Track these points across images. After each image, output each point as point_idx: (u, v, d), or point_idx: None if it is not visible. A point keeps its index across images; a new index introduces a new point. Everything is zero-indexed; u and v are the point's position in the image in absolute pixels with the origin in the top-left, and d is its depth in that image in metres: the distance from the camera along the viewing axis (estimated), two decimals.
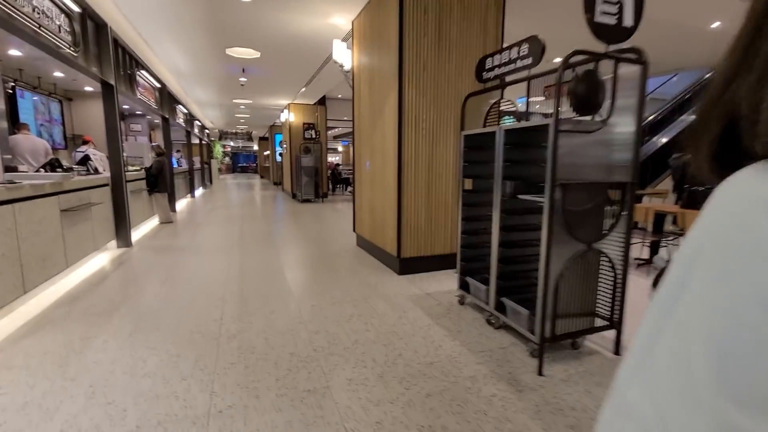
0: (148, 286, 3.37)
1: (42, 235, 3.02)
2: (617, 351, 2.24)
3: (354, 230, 5.17)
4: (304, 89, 9.95)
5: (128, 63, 5.53)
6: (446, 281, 3.56)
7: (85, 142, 6.52)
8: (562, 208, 1.94)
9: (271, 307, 2.90)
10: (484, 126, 3.44)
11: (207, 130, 18.96)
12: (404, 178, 3.63)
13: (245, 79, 8.34)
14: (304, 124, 11.60)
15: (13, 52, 5.19)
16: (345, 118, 15.70)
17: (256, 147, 34.42)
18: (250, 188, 16.42)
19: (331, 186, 13.74)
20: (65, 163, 5.37)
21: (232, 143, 33.87)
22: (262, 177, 26.47)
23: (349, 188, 14.43)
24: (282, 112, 12.65)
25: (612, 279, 2.17)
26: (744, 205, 0.25)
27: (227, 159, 36.47)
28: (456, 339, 2.40)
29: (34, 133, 6.36)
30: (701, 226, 0.27)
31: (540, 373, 2.00)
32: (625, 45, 2.00)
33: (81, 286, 3.34)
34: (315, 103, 11.79)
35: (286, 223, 6.95)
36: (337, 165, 14.79)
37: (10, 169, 3.94)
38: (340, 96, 12.17)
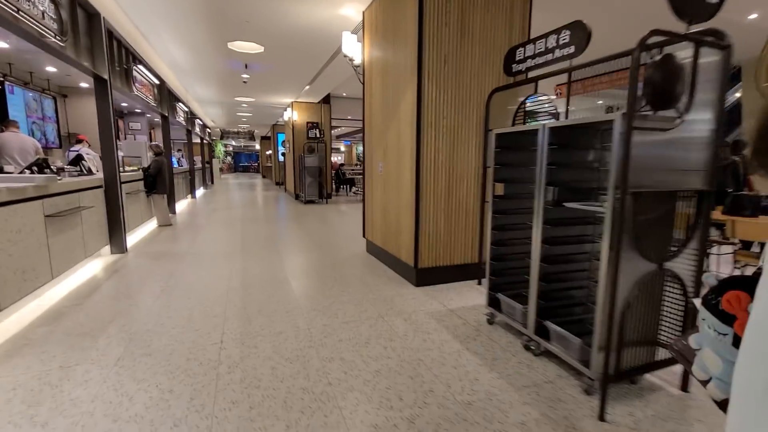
0: (142, 300, 3.05)
1: (21, 244, 2.71)
2: (684, 387, 1.91)
3: (364, 236, 4.84)
4: (308, 87, 9.63)
5: (124, 57, 5.22)
6: (469, 294, 3.24)
7: (79, 141, 6.21)
8: (632, 221, 1.61)
9: (277, 327, 2.58)
10: (513, 125, 3.11)
11: (208, 129, 18.66)
12: (423, 181, 3.31)
13: (248, 76, 8.03)
14: (307, 123, 11.29)
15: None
16: (349, 117, 15.39)
17: (257, 146, 34.16)
18: (252, 188, 16.12)
19: (335, 186, 13.43)
20: (59, 164, 5.06)
21: (233, 142, 33.60)
22: (264, 177, 26.18)
23: (354, 189, 14.11)
24: (285, 110, 12.34)
25: (680, 302, 1.84)
26: None
27: (229, 158, 36.20)
28: (493, 369, 2.08)
29: (24, 131, 6.06)
30: None
31: (602, 418, 1.67)
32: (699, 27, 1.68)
33: (67, 300, 3.03)
34: (319, 102, 11.47)
35: (290, 227, 6.63)
36: (341, 165, 14.46)
37: None
38: (345, 94, 11.85)
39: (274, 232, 6.11)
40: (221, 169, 28.24)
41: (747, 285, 0.47)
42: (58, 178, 3.57)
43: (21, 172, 3.49)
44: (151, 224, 6.55)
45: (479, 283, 3.50)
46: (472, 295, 3.22)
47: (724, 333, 0.48)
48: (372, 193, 4.51)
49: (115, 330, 2.50)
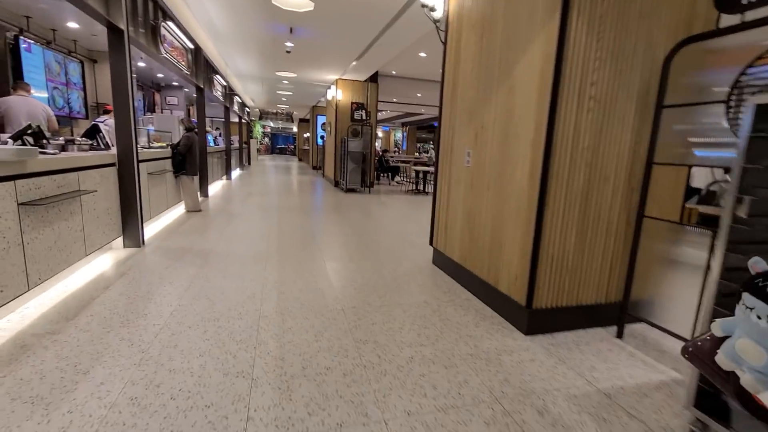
0: (139, 332, 2.16)
1: None
2: None
3: (431, 243, 3.78)
4: (355, 63, 8.57)
5: (150, 10, 4.35)
6: (612, 356, 2.12)
7: (107, 112, 5.48)
8: None
9: (332, 411, 1.59)
10: (729, 98, 1.91)
11: (247, 109, 18.12)
12: (552, 179, 2.18)
13: (291, 45, 7.05)
14: (352, 103, 10.27)
15: None
16: (394, 100, 14.23)
17: (295, 129, 33.69)
18: (289, 172, 15.42)
19: (375, 175, 12.43)
20: (75, 137, 4.32)
21: (272, 123, 33.28)
22: (300, 160, 25.62)
23: (397, 178, 13.03)
24: (328, 89, 11.37)
25: None
26: None
27: (266, 140, 36.04)
28: None
29: (43, 97, 5.40)
30: None
31: None
32: None
33: (38, 325, 2.19)
34: (366, 80, 10.40)
35: (333, 222, 5.67)
36: (385, 151, 13.38)
37: None
38: (394, 72, 10.72)
39: (314, 227, 5.17)
40: (258, 150, 27.99)
41: None
42: (46, 151, 2.73)
43: (4, 142, 2.67)
44: (179, 209, 5.80)
45: (620, 335, 2.36)
46: (620, 358, 2.10)
47: None
48: (448, 192, 3.42)
49: (84, 390, 1.60)
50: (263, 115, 24.27)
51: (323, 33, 6.37)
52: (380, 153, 12.90)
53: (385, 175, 13.27)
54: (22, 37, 4.91)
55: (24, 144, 2.79)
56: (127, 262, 3.31)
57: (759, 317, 0.49)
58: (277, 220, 5.42)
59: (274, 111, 22.95)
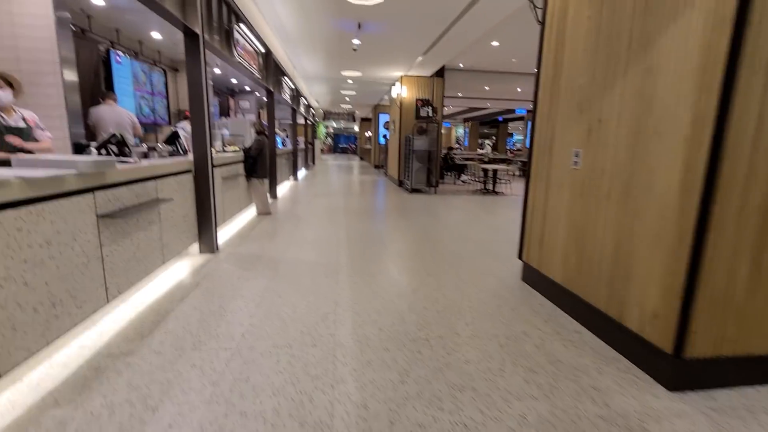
0: (209, 358, 1.99)
1: (52, 263, 1.79)
2: None
3: (520, 257, 3.29)
4: (421, 58, 8.18)
5: (224, 13, 4.34)
6: None
7: (186, 117, 5.67)
8: None
9: None
10: None
11: (312, 110, 18.55)
12: (720, 193, 1.62)
13: (358, 42, 6.84)
14: (417, 100, 9.89)
15: (97, 2, 4.34)
16: (460, 95, 13.58)
17: (356, 128, 34.12)
18: (351, 171, 15.47)
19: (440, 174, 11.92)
20: (156, 144, 4.46)
21: (334, 124, 34.07)
22: (361, 159, 25.82)
23: (463, 177, 12.41)
24: (392, 86, 11.09)
25: None
26: None
27: (329, 140, 37.00)
28: None
29: (131, 105, 5.73)
30: None
31: None
32: None
33: (121, 339, 2.11)
34: (431, 75, 9.96)
35: (402, 226, 5.35)
36: (450, 149, 12.80)
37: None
38: (461, 65, 10.14)
39: (383, 233, 4.89)
40: (322, 150, 28.76)
41: None
42: (127, 160, 2.71)
43: (89, 152, 2.69)
44: (250, 212, 5.86)
45: None
46: None
47: None
48: (545, 198, 2.91)
49: (168, 409, 1.42)
50: (327, 115, 24.82)
51: (392, 27, 6.07)
52: (446, 150, 12.35)
53: (450, 173, 12.71)
54: (113, 50, 5.23)
55: (108, 153, 2.81)
56: (202, 271, 3.26)
57: None
58: (344, 224, 5.23)
59: (337, 111, 23.33)
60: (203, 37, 3.45)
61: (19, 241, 1.61)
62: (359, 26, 5.81)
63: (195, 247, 3.72)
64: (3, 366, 1.53)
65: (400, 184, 10.33)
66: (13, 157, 1.93)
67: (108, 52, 5.14)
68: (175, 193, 3.19)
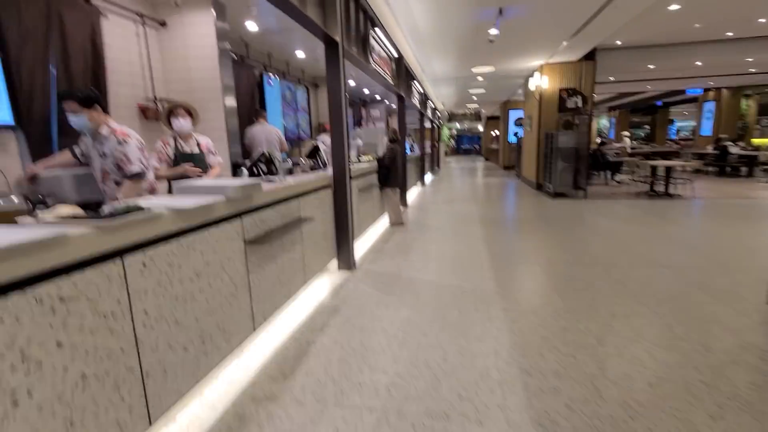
0: (359, 407, 1.65)
1: (201, 296, 1.69)
2: None
3: None
4: (565, 43, 6.98)
5: (361, 20, 4.21)
6: None
7: (325, 130, 5.83)
8: None
9: None
10: None
11: (438, 113, 18.24)
12: None
13: (496, 32, 6.10)
14: (561, 90, 8.56)
15: (251, 26, 4.68)
16: (611, 78, 11.43)
17: (481, 128, 32.63)
18: (479, 173, 14.58)
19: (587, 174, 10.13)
20: (299, 158, 4.58)
21: (457, 125, 33.25)
22: (486, 159, 24.44)
23: (617, 177, 10.36)
24: (529, 78, 9.91)
25: None
26: None
27: (452, 141, 36.33)
28: None
29: (278, 122, 6.15)
30: None
31: None
32: None
33: (265, 377, 1.96)
34: (579, 60, 8.52)
35: (554, 239, 4.45)
36: (603, 143, 10.81)
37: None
38: (618, 43, 8.44)
39: (532, 249, 4.10)
40: (445, 153, 28.31)
41: None
42: (273, 179, 2.64)
43: (241, 172, 2.72)
44: (383, 222, 5.70)
45: None
46: None
47: None
48: None
49: None
50: (451, 117, 24.26)
51: (537, 7, 5.20)
52: (596, 145, 10.49)
53: (597, 173, 10.76)
54: (265, 73, 5.69)
55: (258, 172, 2.82)
56: (340, 293, 3.07)
57: None
58: (482, 237, 4.60)
59: (462, 112, 22.57)
60: (342, 44, 3.30)
61: (171, 277, 1.51)
62: (500, 12, 5.11)
63: (333, 263, 3.61)
64: (154, 412, 1.43)
65: (539, 187, 9.10)
66: (175, 184, 1.94)
67: (261, 75, 5.61)
68: (316, 210, 3.08)
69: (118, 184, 2.31)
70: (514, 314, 2.57)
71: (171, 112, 2.85)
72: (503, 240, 4.51)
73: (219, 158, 3.13)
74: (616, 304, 2.67)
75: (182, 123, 2.84)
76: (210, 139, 3.09)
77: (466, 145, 38.85)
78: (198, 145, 3.01)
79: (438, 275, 3.38)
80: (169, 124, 2.86)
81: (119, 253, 1.30)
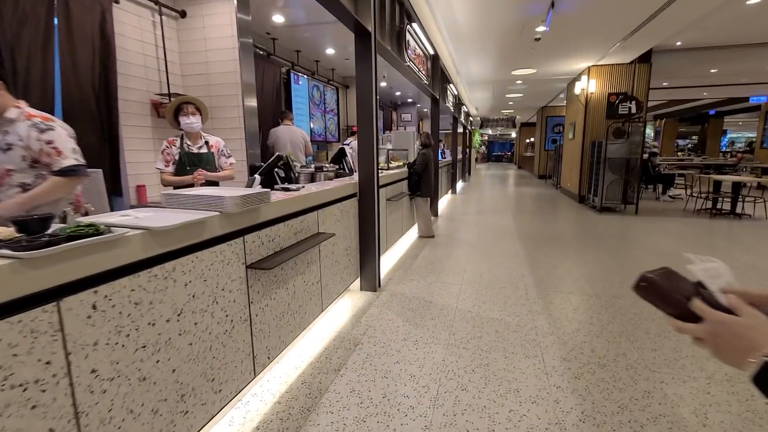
0: None
1: (191, 335, 1.31)
2: None
3: None
4: (619, 44, 6.33)
5: (396, 12, 3.81)
6: None
7: (353, 133, 5.47)
8: None
9: None
10: None
11: (471, 118, 17.64)
12: None
13: (543, 29, 5.56)
14: (610, 95, 7.86)
15: (277, 18, 4.36)
16: (665, 84, 10.49)
17: (513, 134, 31.50)
18: (513, 182, 13.85)
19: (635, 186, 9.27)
20: (325, 164, 4.23)
21: (489, 131, 32.30)
22: (519, 167, 23.48)
23: (671, 191, 9.43)
24: (574, 81, 9.21)
25: None
26: None
27: (483, 148, 35.36)
28: None
29: (305, 125, 5.84)
30: None
31: None
32: None
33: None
34: (631, 62, 7.79)
35: (609, 263, 3.85)
36: (653, 155, 9.92)
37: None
38: (678, 44, 7.64)
39: (587, 275, 3.52)
40: (477, 159, 27.51)
41: None
42: (289, 187, 2.26)
43: (253, 179, 2.35)
44: (411, 233, 5.25)
45: None
46: None
47: None
48: None
49: None
50: (484, 123, 23.52)
51: (591, 4, 4.64)
52: (647, 156, 9.61)
53: (648, 187, 9.85)
54: (292, 71, 5.39)
55: (273, 178, 2.45)
56: (362, 320, 2.65)
57: None
58: (523, 257, 4.06)
59: (496, 117, 21.78)
60: (375, 36, 2.90)
61: (137, 320, 1.14)
62: (552, 5, 4.58)
63: (356, 282, 3.20)
64: None
65: (582, 199, 8.38)
66: (163, 193, 1.58)
67: (288, 73, 5.32)
68: (338, 223, 2.68)
69: (26, 188, 1.68)
70: (577, 366, 2.05)
71: (179, 108, 2.53)
72: (549, 261, 3.96)
73: (232, 160, 2.80)
74: (710, 359, 2.10)
75: (191, 121, 2.53)
76: (221, 140, 2.76)
77: (497, 152, 37.75)
78: (207, 145, 2.68)
79: (475, 304, 2.89)
80: (176, 121, 2.54)
81: (53, 295, 0.93)
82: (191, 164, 2.62)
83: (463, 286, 3.27)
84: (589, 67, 8.14)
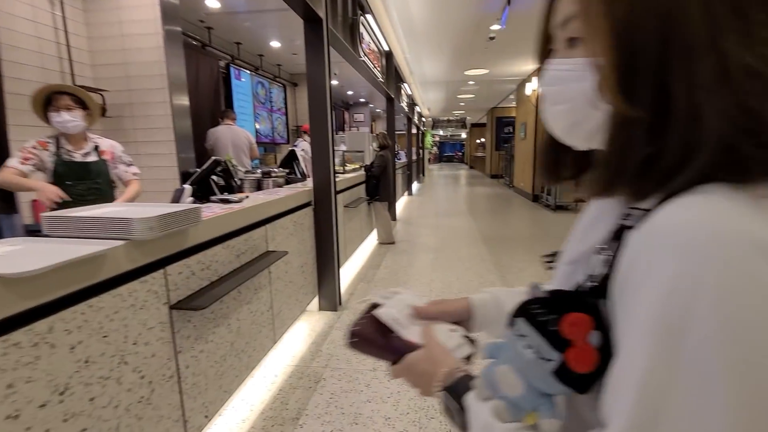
0: None
1: (85, 416, 0.91)
2: None
3: None
4: None
5: (349, 2, 3.50)
6: None
7: (305, 132, 5.07)
8: None
9: None
10: None
11: (423, 119, 17.73)
12: None
13: (498, 28, 5.52)
14: None
15: (212, 3, 3.85)
16: None
17: (464, 135, 32.32)
18: (467, 182, 14.07)
19: None
20: (274, 168, 3.83)
21: (441, 132, 32.93)
22: (471, 167, 24.07)
23: None
24: (525, 82, 9.43)
25: None
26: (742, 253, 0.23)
27: (435, 149, 35.96)
28: None
29: (250, 125, 5.35)
30: (673, 278, 0.24)
31: None
32: None
33: None
34: None
35: None
36: None
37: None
38: None
39: None
40: (429, 160, 27.87)
41: (583, 305, 0.35)
42: (230, 198, 1.88)
43: (181, 191, 1.92)
44: (370, 240, 4.96)
45: None
46: None
47: (549, 359, 0.35)
48: None
49: None
50: (435, 123, 23.87)
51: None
52: None
53: None
54: (232, 66, 4.89)
55: (210, 188, 2.04)
56: (323, 349, 2.30)
57: (528, 347, 0.38)
58: (492, 262, 3.93)
59: (447, 118, 22.18)
60: (327, 23, 2.57)
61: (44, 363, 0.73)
62: (509, 1, 4.50)
63: (314, 302, 2.84)
64: None
65: (536, 198, 8.57)
66: (44, 217, 1.15)
67: (228, 67, 4.80)
68: (291, 238, 2.32)
69: None
70: None
71: (48, 101, 1.90)
72: (516, 265, 3.85)
73: (135, 168, 2.23)
74: None
75: (65, 118, 1.90)
76: (118, 143, 2.19)
77: (448, 153, 38.56)
78: (97, 150, 2.10)
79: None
80: (46, 117, 1.93)
81: None
82: (76, 177, 1.99)
83: (432, 298, 3.03)
84: (539, 68, 8.34)
